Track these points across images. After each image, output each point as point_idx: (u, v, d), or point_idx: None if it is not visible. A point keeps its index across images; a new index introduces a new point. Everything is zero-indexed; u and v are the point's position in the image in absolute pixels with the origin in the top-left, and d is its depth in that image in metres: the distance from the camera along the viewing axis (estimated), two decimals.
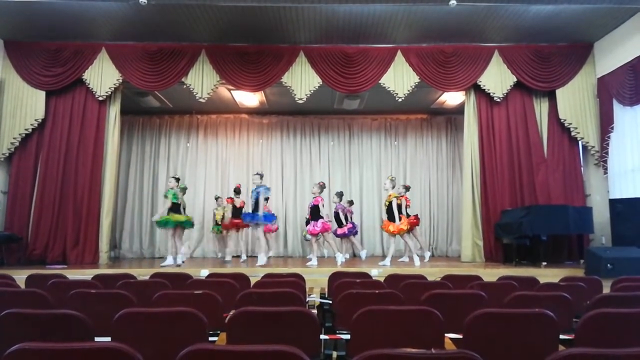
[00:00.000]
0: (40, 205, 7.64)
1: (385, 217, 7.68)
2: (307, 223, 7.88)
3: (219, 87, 8.29)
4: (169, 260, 7.21)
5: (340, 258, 7.38)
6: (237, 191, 8.71)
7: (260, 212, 7.20)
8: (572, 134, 7.97)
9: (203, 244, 10.04)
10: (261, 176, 7.46)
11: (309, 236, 7.76)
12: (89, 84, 7.85)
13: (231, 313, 2.20)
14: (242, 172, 10.44)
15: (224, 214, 8.76)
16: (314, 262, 7.27)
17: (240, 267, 7.22)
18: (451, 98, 9.35)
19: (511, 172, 8.00)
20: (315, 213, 7.50)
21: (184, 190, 7.64)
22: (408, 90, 7.99)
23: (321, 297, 3.85)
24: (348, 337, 2.25)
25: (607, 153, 7.58)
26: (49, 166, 7.74)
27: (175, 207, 7.27)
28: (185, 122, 10.57)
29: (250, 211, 7.36)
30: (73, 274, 5.55)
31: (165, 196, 7.42)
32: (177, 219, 7.21)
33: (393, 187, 7.64)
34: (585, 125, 7.91)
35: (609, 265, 5.80)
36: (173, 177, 7.66)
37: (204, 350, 1.50)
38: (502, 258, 7.62)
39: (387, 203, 7.52)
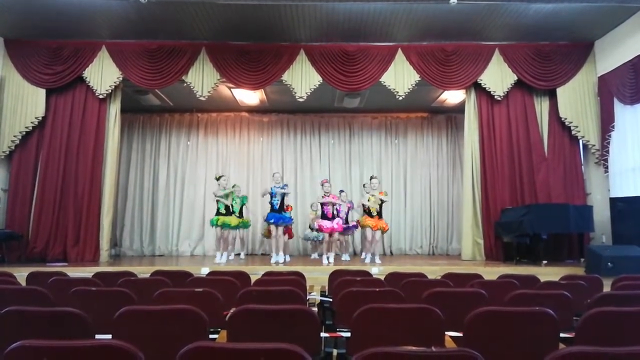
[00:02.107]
0: (40, 203, 7.65)
1: (374, 214, 7.51)
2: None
3: (219, 85, 8.28)
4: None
5: (328, 259, 7.46)
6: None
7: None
8: (573, 132, 7.96)
9: (203, 242, 10.04)
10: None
11: (321, 235, 7.73)
12: (89, 82, 7.85)
13: (232, 311, 2.20)
14: (243, 171, 10.44)
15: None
16: (332, 259, 7.42)
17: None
18: (452, 96, 9.34)
19: (511, 171, 8.00)
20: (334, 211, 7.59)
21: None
22: (408, 89, 7.98)
23: (322, 295, 3.85)
24: (348, 335, 2.26)
25: (607, 152, 7.57)
26: (49, 164, 7.74)
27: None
28: (185, 120, 10.56)
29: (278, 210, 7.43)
30: (74, 271, 5.54)
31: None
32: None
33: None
34: (585, 124, 7.90)
35: (609, 263, 5.80)
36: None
37: (204, 348, 1.50)
38: (503, 256, 7.62)
39: (380, 201, 7.48)
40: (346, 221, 8.25)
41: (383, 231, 7.58)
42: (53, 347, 1.49)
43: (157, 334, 2.04)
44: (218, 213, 7.70)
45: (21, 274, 4.39)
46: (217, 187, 7.91)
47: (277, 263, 7.23)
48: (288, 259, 7.62)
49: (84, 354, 1.50)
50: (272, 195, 7.44)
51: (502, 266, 6.83)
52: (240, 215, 8.22)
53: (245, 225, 8.44)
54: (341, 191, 8.55)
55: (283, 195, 7.44)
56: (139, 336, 1.93)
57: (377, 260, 7.40)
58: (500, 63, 8.02)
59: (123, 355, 1.46)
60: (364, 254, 8.07)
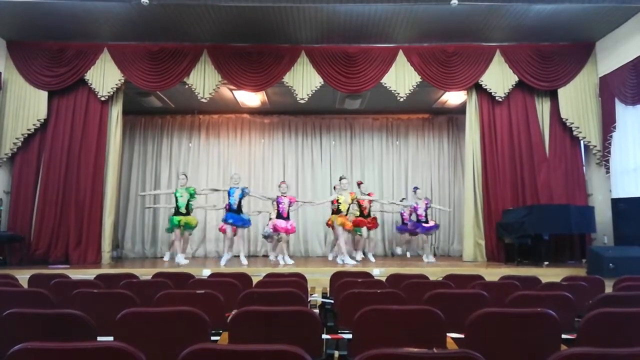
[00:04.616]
0: (42, 205, 7.66)
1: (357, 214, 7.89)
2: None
3: (221, 87, 8.29)
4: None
5: (284, 259, 7.60)
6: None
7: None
8: (574, 133, 7.95)
9: (205, 244, 10.05)
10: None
11: (277, 234, 7.80)
12: (91, 84, 7.87)
13: (233, 313, 2.20)
14: (244, 172, 10.43)
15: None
16: (289, 260, 7.52)
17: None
18: (453, 97, 9.34)
19: (513, 172, 7.99)
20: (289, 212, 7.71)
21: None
22: (410, 90, 7.98)
23: (323, 297, 3.85)
24: (350, 336, 2.25)
25: (609, 152, 7.56)
26: (51, 166, 7.76)
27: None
28: (187, 122, 10.58)
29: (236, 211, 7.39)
30: (75, 273, 5.56)
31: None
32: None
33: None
34: (587, 125, 7.89)
35: (611, 264, 5.79)
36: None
37: (206, 349, 1.50)
38: (504, 258, 7.61)
39: (351, 200, 7.66)
40: (426, 220, 8.25)
41: (345, 229, 7.53)
42: (55, 349, 1.49)
43: (159, 336, 2.05)
44: (178, 212, 7.47)
45: (23, 276, 4.40)
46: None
47: (243, 262, 7.24)
48: (245, 261, 7.48)
49: (86, 356, 1.50)
50: (229, 194, 7.41)
51: (504, 267, 6.82)
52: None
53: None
54: (416, 188, 8.66)
55: (241, 197, 7.39)
56: (140, 338, 1.94)
57: (350, 261, 7.47)
58: (501, 64, 8.01)
59: (125, 357, 1.47)
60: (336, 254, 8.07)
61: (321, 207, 9.18)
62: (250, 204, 9.06)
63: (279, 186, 7.91)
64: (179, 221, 7.40)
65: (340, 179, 7.91)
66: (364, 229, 8.11)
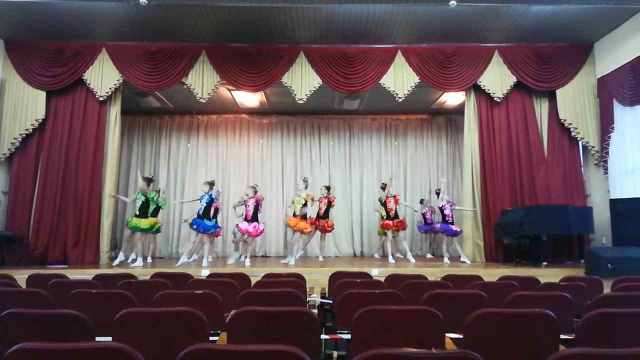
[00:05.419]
0: (41, 205, 7.65)
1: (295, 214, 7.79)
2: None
3: (219, 88, 8.29)
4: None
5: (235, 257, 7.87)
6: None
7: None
8: (572, 134, 7.97)
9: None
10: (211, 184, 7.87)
11: (245, 236, 7.80)
12: (89, 84, 7.86)
13: (232, 313, 2.20)
14: (243, 173, 10.44)
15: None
16: (248, 262, 7.46)
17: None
18: (451, 98, 9.35)
19: (511, 173, 8.00)
20: (256, 213, 7.67)
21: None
22: (408, 91, 7.99)
23: (322, 297, 3.86)
24: (349, 337, 2.26)
25: (607, 153, 7.58)
26: (49, 166, 7.74)
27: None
28: (185, 122, 10.57)
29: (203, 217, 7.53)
30: (74, 273, 5.55)
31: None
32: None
33: (306, 188, 8.01)
34: (585, 126, 7.91)
35: (609, 265, 5.80)
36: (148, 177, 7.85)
37: (204, 350, 1.50)
38: (503, 258, 7.62)
39: (305, 202, 7.78)
40: (452, 222, 8.19)
41: (302, 232, 7.73)
42: (53, 349, 1.49)
43: (158, 336, 2.04)
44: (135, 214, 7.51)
45: (21, 276, 4.39)
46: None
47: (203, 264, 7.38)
48: (209, 260, 7.75)
49: (85, 356, 1.50)
50: (200, 201, 7.63)
51: (502, 268, 6.83)
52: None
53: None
54: (438, 190, 8.60)
55: (208, 202, 7.56)
56: (139, 338, 1.93)
57: (291, 262, 7.55)
58: (499, 65, 8.03)
59: (123, 357, 1.47)
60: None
61: (314, 209, 9.11)
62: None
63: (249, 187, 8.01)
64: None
65: (303, 180, 8.06)
66: (389, 232, 8.24)
